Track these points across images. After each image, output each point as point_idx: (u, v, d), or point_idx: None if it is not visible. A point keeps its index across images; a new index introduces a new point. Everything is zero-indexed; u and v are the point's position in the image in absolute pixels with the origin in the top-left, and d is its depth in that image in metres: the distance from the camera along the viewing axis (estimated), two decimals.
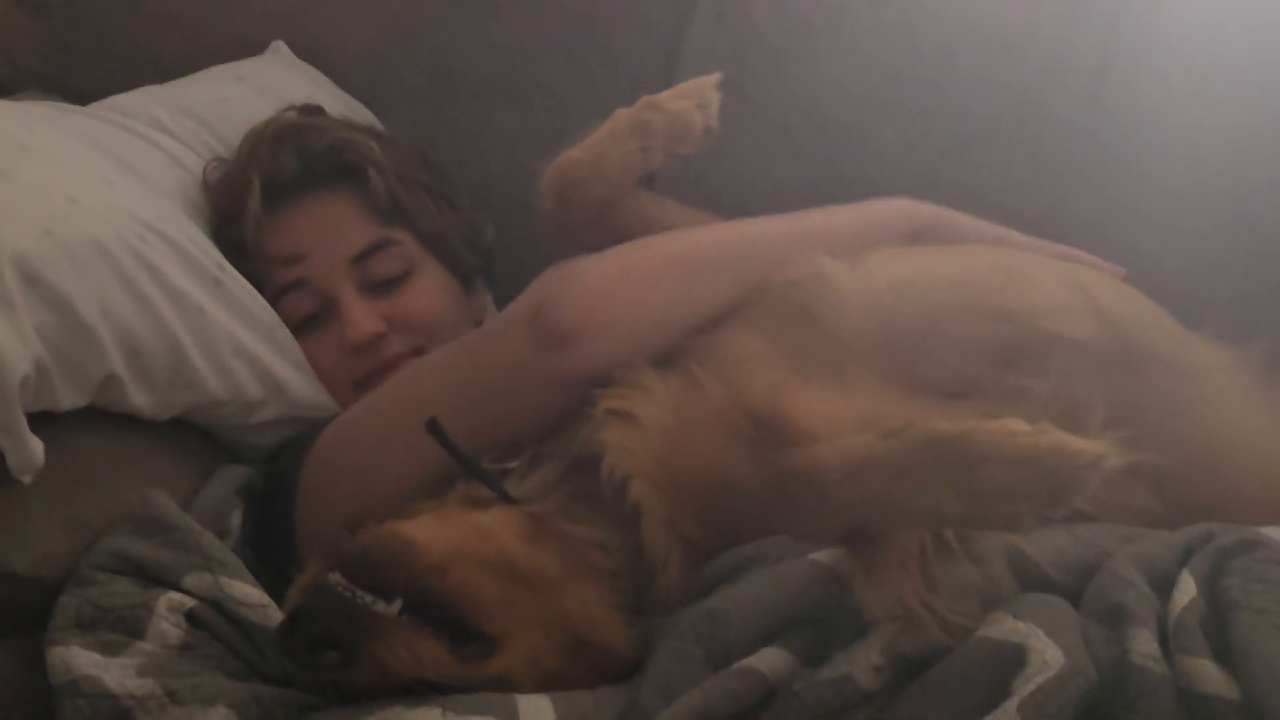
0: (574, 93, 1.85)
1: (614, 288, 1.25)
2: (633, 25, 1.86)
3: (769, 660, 1.02)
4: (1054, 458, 0.92)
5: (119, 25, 1.94)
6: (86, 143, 1.49)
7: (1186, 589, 1.01)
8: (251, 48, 1.92)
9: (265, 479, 1.39)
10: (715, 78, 1.43)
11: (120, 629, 1.10)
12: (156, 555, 1.16)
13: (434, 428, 1.18)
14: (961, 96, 1.68)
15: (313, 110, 1.71)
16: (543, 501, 1.18)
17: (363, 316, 1.53)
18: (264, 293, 1.48)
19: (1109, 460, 0.92)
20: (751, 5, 1.77)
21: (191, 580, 1.15)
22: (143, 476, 1.29)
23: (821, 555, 1.07)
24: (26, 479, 1.15)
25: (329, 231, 1.56)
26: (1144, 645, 0.98)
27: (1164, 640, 0.99)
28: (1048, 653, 0.94)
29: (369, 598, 1.01)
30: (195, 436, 1.42)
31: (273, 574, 1.23)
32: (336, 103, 1.83)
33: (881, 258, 1.30)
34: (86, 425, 1.28)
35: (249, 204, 1.53)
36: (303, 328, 1.52)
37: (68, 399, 1.23)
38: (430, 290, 1.60)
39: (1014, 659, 0.95)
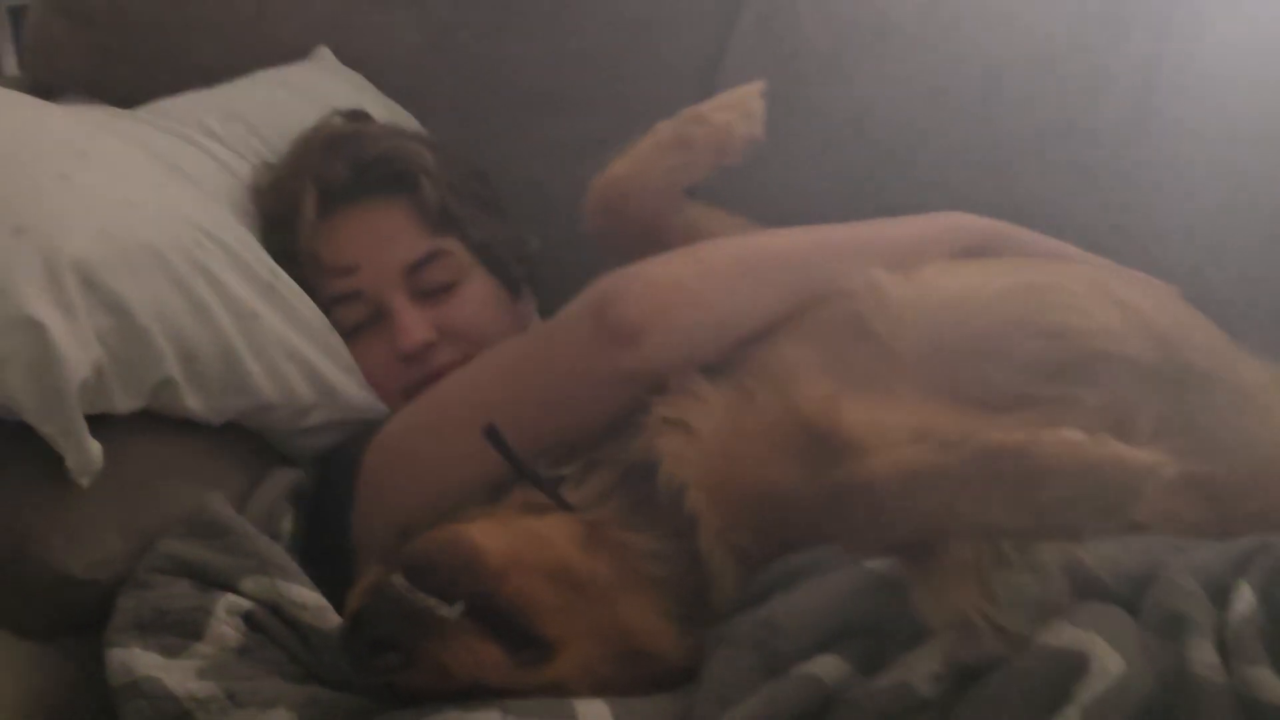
0: (616, 102, 1.85)
1: (680, 285, 1.25)
2: (676, 34, 1.87)
3: (826, 667, 1.02)
4: (1113, 468, 0.92)
5: (161, 31, 1.95)
6: (137, 146, 1.50)
7: (1245, 599, 1.01)
8: (294, 54, 1.93)
9: (317, 483, 1.40)
10: (759, 86, 1.42)
11: (179, 631, 1.11)
12: (213, 558, 1.17)
13: (492, 434, 1.18)
14: (1006, 111, 1.67)
15: (359, 116, 1.72)
16: (598, 509, 1.17)
17: (415, 325, 1.53)
18: (314, 299, 1.48)
19: (1167, 470, 0.92)
20: (797, 16, 1.77)
21: (249, 583, 1.16)
22: (197, 479, 1.31)
23: (877, 564, 1.07)
24: (85, 482, 1.16)
25: (382, 242, 1.56)
26: (1204, 655, 0.97)
27: (1222, 651, 0.99)
28: (1109, 660, 0.94)
29: (432, 600, 1.01)
30: (247, 440, 1.42)
31: (321, 579, 1.24)
32: (381, 109, 1.84)
33: (934, 271, 1.30)
34: (141, 429, 1.28)
35: (304, 211, 1.53)
36: (352, 334, 1.52)
37: (124, 402, 1.23)
38: (479, 299, 1.61)
39: (1075, 666, 0.94)
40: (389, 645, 1.00)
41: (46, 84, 1.95)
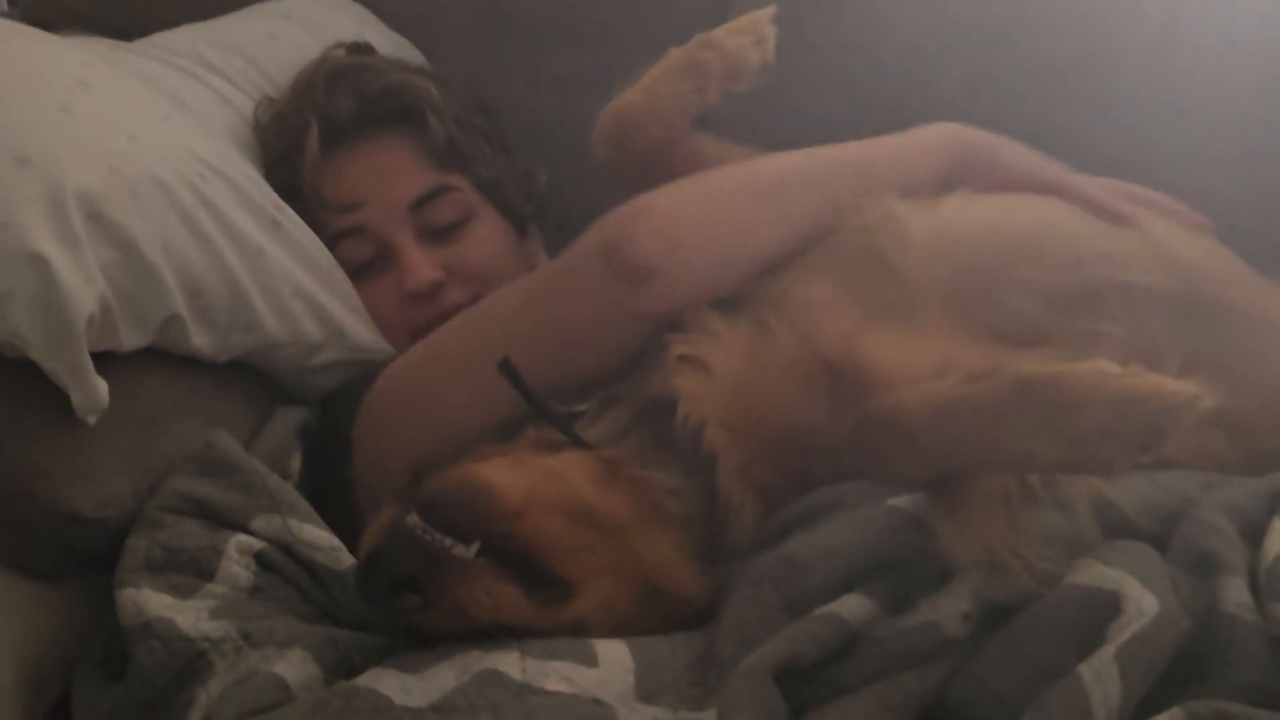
0: (627, 32, 1.80)
1: (691, 217, 1.22)
2: None
3: (851, 606, 0.99)
4: (1150, 399, 0.90)
5: None
6: (138, 79, 1.46)
7: (1278, 537, 0.99)
8: None
9: (320, 422, 1.37)
10: (770, 11, 1.39)
11: (190, 571, 1.09)
12: (223, 497, 1.15)
13: (506, 369, 1.15)
14: (1026, 40, 1.64)
15: (363, 49, 1.69)
16: (615, 446, 1.16)
17: (422, 264, 1.50)
18: (319, 237, 1.45)
19: (1206, 402, 0.90)
20: None
21: (260, 522, 1.14)
22: (205, 418, 1.28)
23: (901, 501, 1.05)
24: (91, 420, 1.14)
25: (387, 177, 1.53)
26: (1236, 594, 0.95)
27: (1254, 590, 0.97)
28: (1143, 600, 0.92)
29: (448, 540, 0.99)
30: (254, 379, 1.40)
31: (330, 518, 1.21)
32: (385, 42, 1.80)
33: (954, 202, 1.28)
34: (148, 366, 1.25)
35: (307, 146, 1.50)
36: (358, 274, 1.49)
37: (131, 339, 1.21)
38: (488, 237, 1.58)
39: (1108, 606, 0.93)
40: (406, 586, 0.98)
41: (42, 19, 1.91)
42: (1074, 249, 1.22)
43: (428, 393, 1.26)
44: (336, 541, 1.13)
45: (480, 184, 1.59)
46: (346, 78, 1.57)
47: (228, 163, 1.36)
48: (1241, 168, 1.56)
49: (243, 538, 1.12)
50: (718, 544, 1.13)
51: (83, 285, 1.11)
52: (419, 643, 1.03)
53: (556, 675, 0.97)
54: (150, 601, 1.05)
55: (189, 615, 1.04)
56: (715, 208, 1.24)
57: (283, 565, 1.12)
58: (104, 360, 1.17)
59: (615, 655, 1.01)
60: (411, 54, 1.83)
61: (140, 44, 1.67)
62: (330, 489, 1.29)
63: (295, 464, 1.31)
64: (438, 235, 1.54)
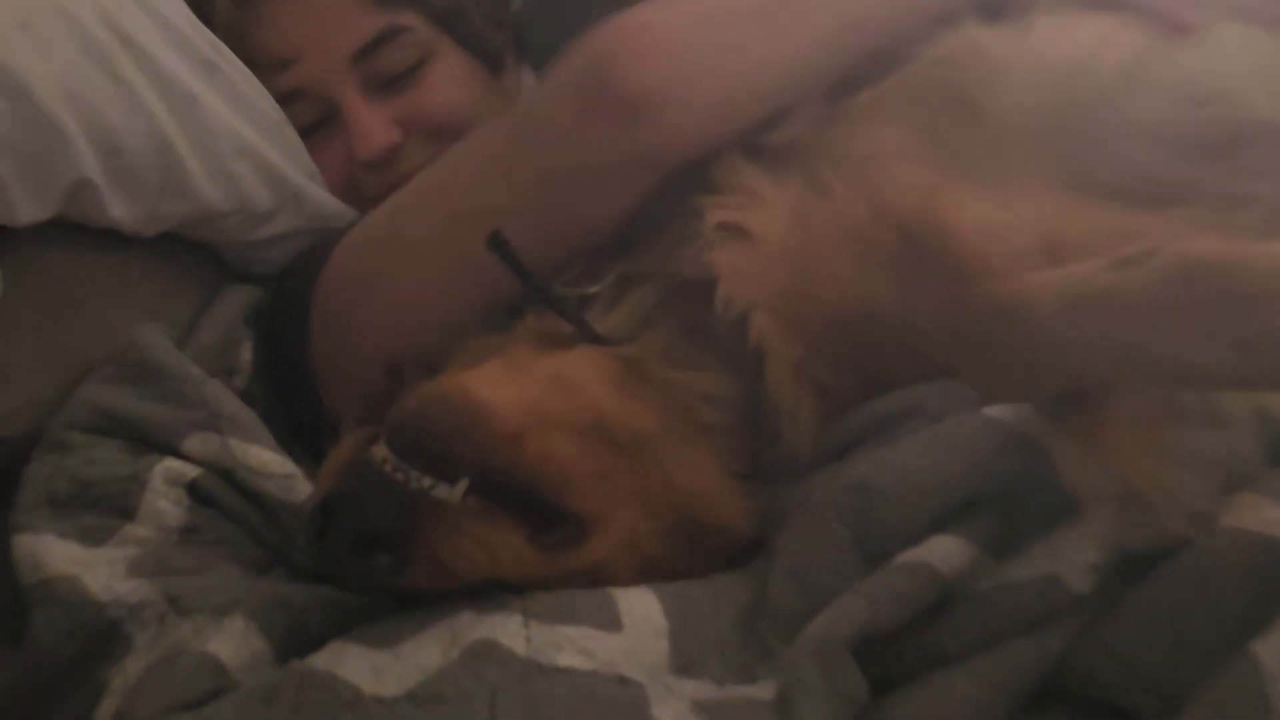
0: None
1: (692, 31, 1.00)
2: None
3: (944, 552, 0.79)
4: None
5: None
6: None
7: None
8: None
9: (274, 301, 1.15)
10: None
11: (104, 509, 0.89)
12: (149, 411, 0.95)
13: (496, 244, 0.94)
14: None
15: None
16: (637, 340, 0.95)
17: (374, 126, 1.26)
18: None
19: None
20: None
21: (194, 443, 0.93)
22: (133, 304, 1.09)
23: (1001, 412, 0.84)
24: None
25: (323, 25, 1.27)
26: None
27: None
28: None
29: (426, 480, 0.78)
30: (194, 253, 1.18)
31: (293, 425, 1.04)
32: None
33: (1045, 26, 1.06)
34: (59, 244, 1.06)
35: None
36: (303, 138, 1.26)
37: (28, 210, 1.00)
38: (449, 81, 1.33)
39: None
40: (374, 542, 0.77)
41: None
42: (1207, 83, 1.00)
43: (390, 276, 1.05)
44: (291, 467, 0.93)
45: (435, 17, 1.33)
46: None
47: None
48: None
49: (172, 463, 0.91)
50: (766, 461, 0.94)
51: None
52: (394, 602, 0.82)
53: (570, 646, 0.77)
54: (52, 552, 0.84)
55: (100, 572, 0.83)
56: (724, 18, 1.03)
57: (223, 498, 0.91)
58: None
59: (643, 612, 0.81)
60: None
61: None
62: (290, 384, 1.09)
63: (245, 355, 1.11)
64: (389, 86, 1.29)
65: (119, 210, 1.06)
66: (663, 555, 0.88)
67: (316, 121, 1.27)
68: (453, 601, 0.80)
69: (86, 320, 1.04)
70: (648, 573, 0.86)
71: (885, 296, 0.91)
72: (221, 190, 1.12)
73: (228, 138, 1.12)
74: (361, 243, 1.09)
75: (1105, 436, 0.78)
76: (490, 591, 0.81)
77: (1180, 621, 0.74)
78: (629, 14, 1.01)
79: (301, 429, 1.06)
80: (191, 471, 0.91)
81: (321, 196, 1.22)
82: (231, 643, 0.79)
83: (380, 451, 0.79)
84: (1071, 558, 0.77)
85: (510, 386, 0.85)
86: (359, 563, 0.77)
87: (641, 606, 0.82)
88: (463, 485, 0.79)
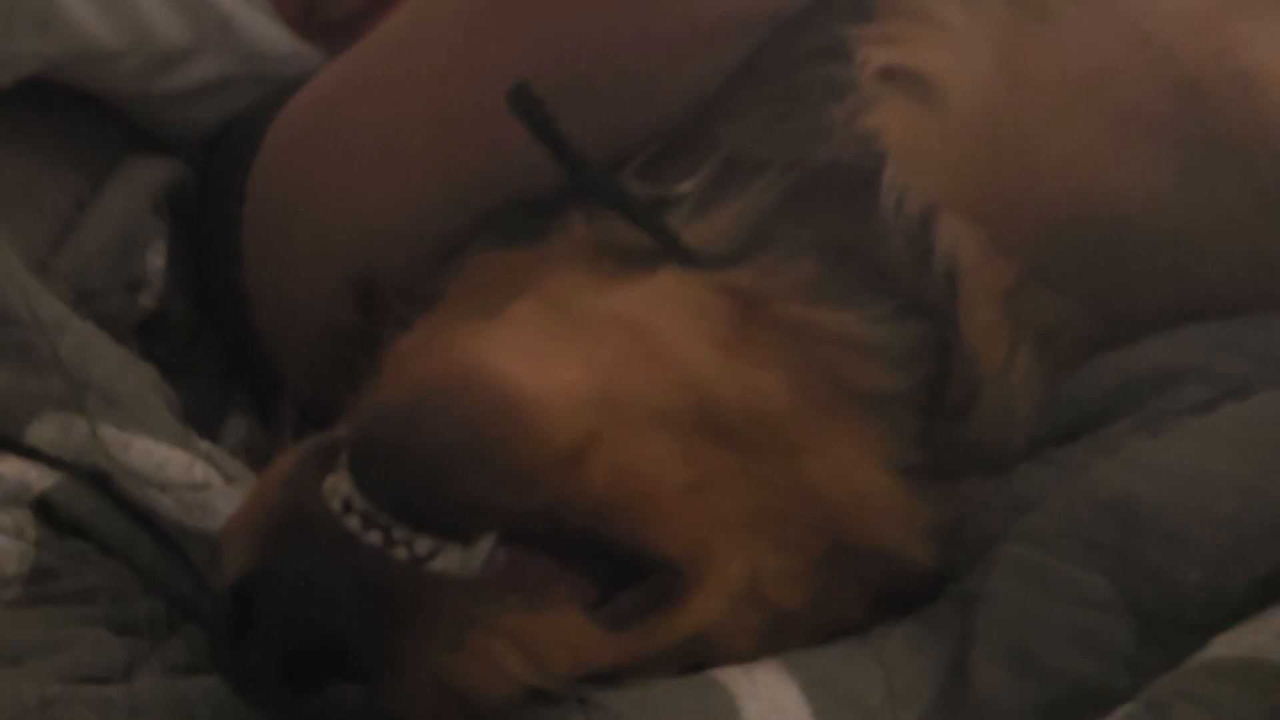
0: None
1: None
2: None
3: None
4: None
5: None
6: None
7: None
8: None
9: (202, 183, 0.82)
10: None
11: None
12: None
13: (523, 101, 0.61)
14: None
15: None
16: (752, 262, 0.61)
17: None
18: None
19: None
20: None
21: (45, 431, 0.59)
22: None
23: None
24: None
25: None
26: None
27: None
28: None
29: (421, 542, 0.46)
30: (85, 113, 0.84)
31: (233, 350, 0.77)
32: None
33: None
34: None
35: None
36: None
37: None
38: None
39: None
40: (327, 659, 0.45)
41: None
42: None
43: (351, 158, 0.72)
44: (202, 471, 0.59)
45: None
46: None
47: None
48: None
49: (9, 465, 0.57)
50: (952, 447, 0.62)
51: None
52: None
53: None
54: None
55: None
56: None
57: (92, 522, 0.57)
58: None
59: (777, 709, 0.51)
60: None
61: None
62: (227, 319, 0.78)
63: (156, 263, 0.77)
64: None
65: None
66: (800, 607, 0.57)
67: None
68: None
69: None
70: (777, 636, 0.56)
71: (1149, 184, 0.61)
72: (107, 19, 0.77)
73: None
74: (312, 105, 0.75)
75: None
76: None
77: None
78: None
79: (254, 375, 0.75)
80: (43, 481, 0.57)
81: (262, 28, 0.86)
82: None
83: (340, 487, 0.46)
84: None
85: (559, 355, 0.52)
86: (303, 698, 0.44)
87: (774, 699, 0.52)
88: (485, 546, 0.47)
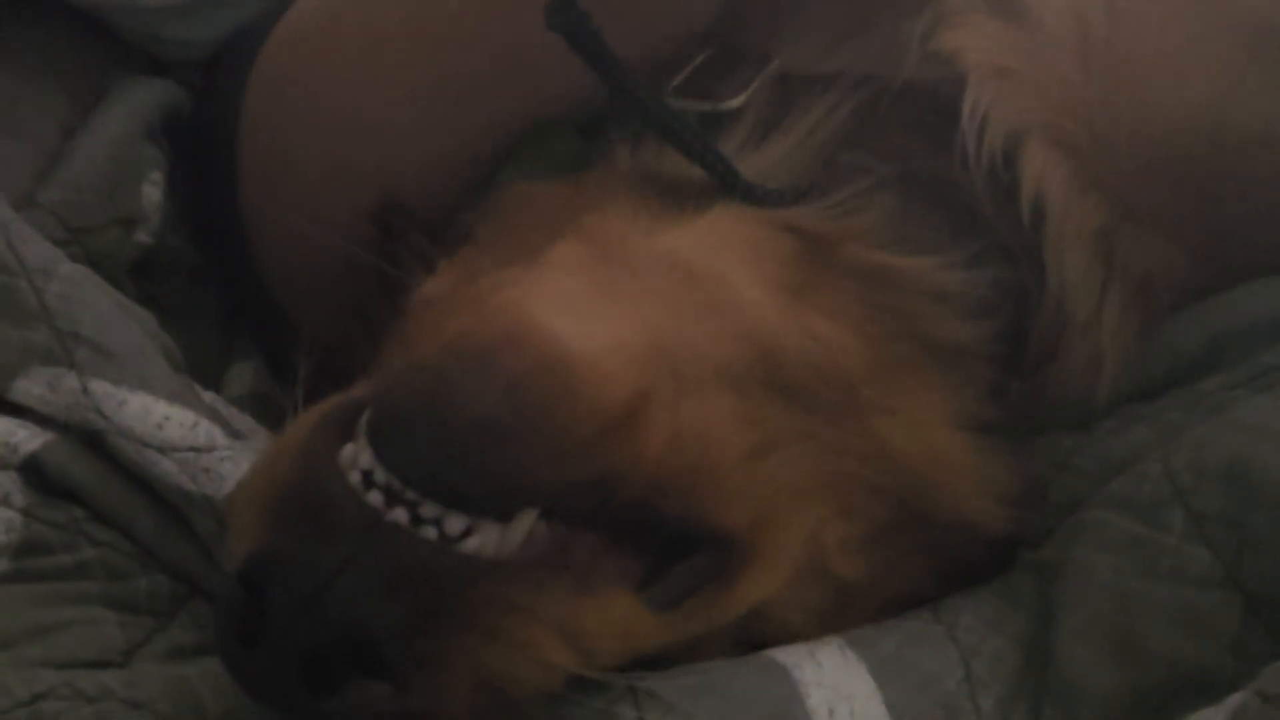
0: None
1: None
2: None
3: None
4: None
5: None
6: None
7: None
8: None
9: (200, 106, 0.76)
10: None
11: None
12: None
13: (564, 11, 0.54)
14: None
15: None
16: (821, 198, 0.55)
17: None
18: None
19: None
20: None
21: (32, 387, 0.53)
22: None
23: None
24: None
25: None
26: None
27: None
28: None
29: (454, 519, 0.41)
30: (68, 29, 0.77)
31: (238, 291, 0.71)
32: None
33: None
34: None
35: None
36: None
37: None
38: None
39: None
40: (349, 655, 0.39)
41: None
42: None
43: (360, 73, 0.66)
44: (205, 431, 0.53)
45: None
46: None
47: None
48: None
49: None
50: (1033, 403, 0.57)
51: None
52: None
53: None
54: None
55: None
56: None
57: (86, 486, 0.52)
58: None
59: (845, 698, 0.47)
60: None
61: None
62: (229, 244, 0.72)
63: (153, 196, 0.70)
64: None
65: None
66: (864, 580, 0.52)
67: None
68: None
69: None
70: (840, 612, 0.52)
71: (1269, 110, 0.55)
72: None
73: None
74: (319, 11, 0.68)
75: None
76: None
77: None
78: None
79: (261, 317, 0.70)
80: (32, 442, 0.52)
81: None
82: None
83: (359, 457, 0.40)
84: None
85: (608, 306, 0.46)
86: (322, 699, 0.38)
87: (840, 685, 0.47)
88: (525, 523, 0.41)
